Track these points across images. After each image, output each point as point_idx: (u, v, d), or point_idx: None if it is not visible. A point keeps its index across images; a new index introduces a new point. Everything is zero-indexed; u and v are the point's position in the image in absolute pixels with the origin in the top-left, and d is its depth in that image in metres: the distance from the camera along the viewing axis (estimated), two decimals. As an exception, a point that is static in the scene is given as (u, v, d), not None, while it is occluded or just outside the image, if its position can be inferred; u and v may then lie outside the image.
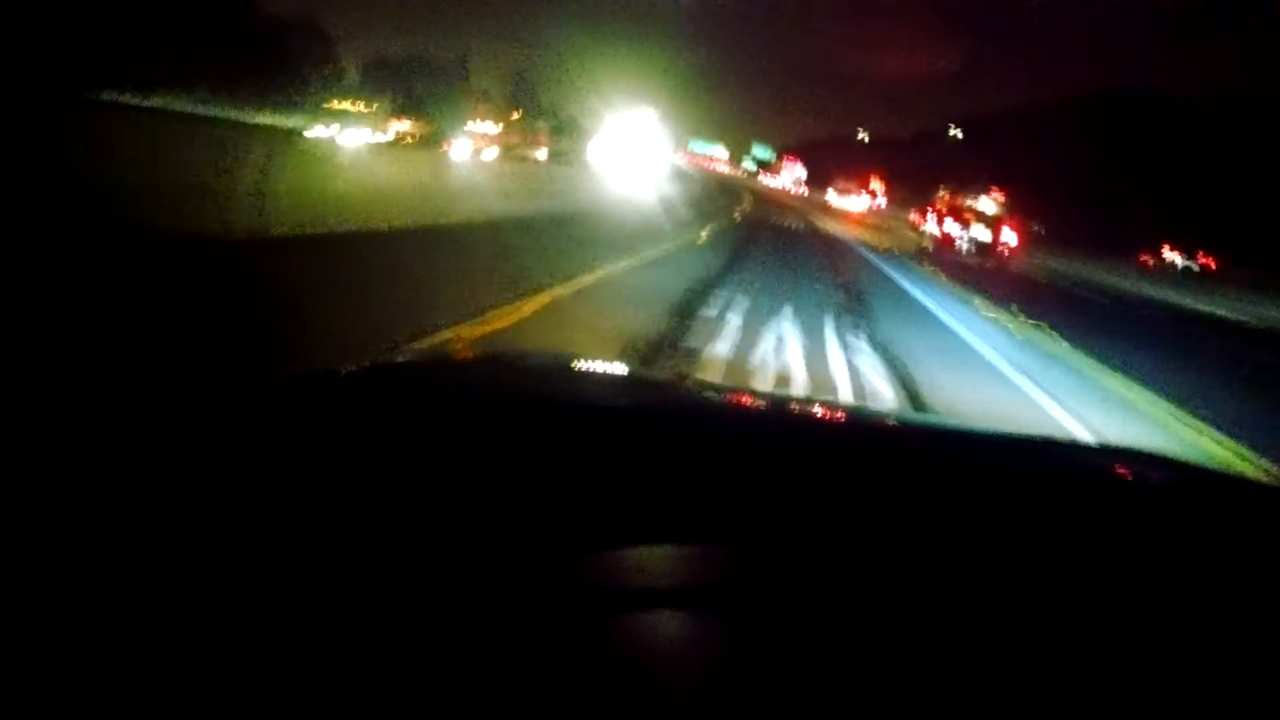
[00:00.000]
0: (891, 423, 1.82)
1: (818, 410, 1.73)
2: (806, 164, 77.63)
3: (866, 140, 78.54)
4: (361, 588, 0.72)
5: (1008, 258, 28.31)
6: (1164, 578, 0.92)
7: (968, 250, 28.13)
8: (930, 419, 3.23)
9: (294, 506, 0.83)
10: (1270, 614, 0.88)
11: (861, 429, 1.52)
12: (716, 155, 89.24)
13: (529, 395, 1.28)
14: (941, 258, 25.72)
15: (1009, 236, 29.54)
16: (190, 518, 0.78)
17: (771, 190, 71.34)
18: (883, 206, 66.59)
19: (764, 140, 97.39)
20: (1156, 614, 0.84)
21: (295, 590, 0.72)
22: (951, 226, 29.02)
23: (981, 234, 29.31)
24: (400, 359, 1.83)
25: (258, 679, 0.61)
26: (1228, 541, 1.04)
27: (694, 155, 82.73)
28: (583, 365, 1.79)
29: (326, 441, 0.95)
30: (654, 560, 0.79)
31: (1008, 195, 36.62)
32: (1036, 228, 49.14)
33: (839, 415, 1.73)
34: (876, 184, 57.68)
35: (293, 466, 0.90)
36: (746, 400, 1.73)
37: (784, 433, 1.34)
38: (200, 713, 0.59)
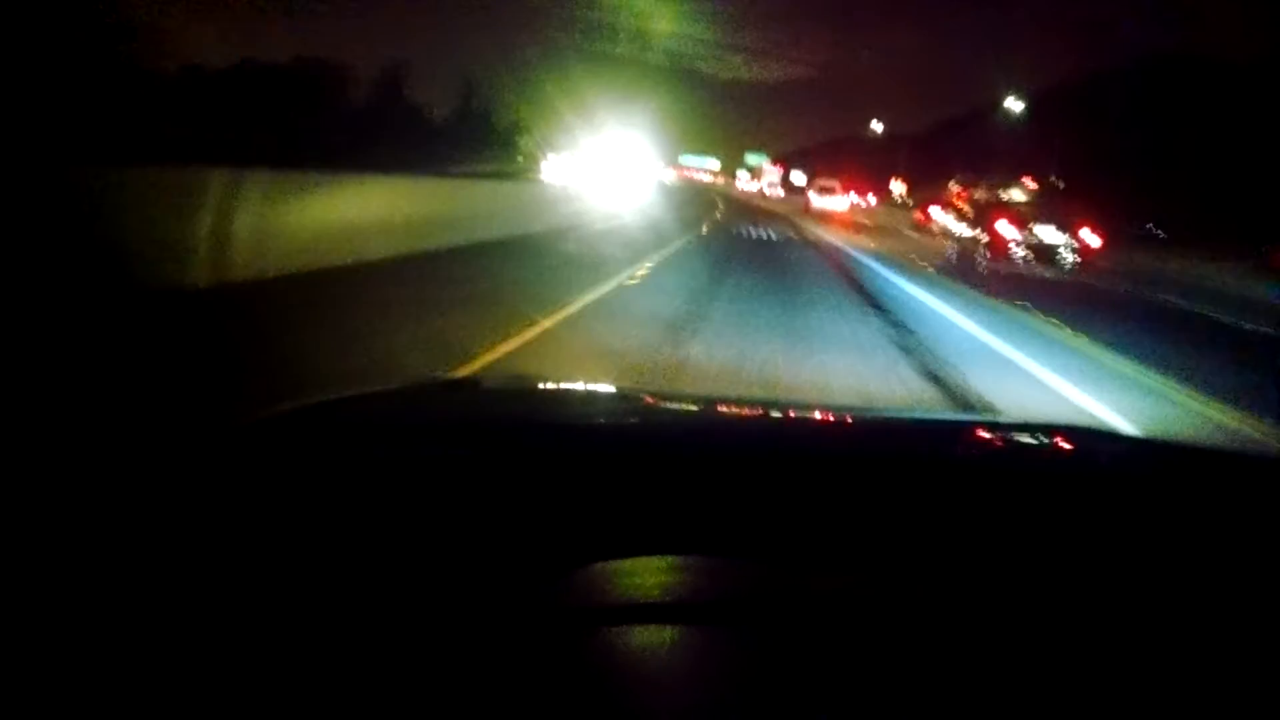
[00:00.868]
0: (859, 420, 1.64)
1: (794, 414, 1.63)
2: (811, 168, 72.47)
3: (881, 134, 71.62)
4: (350, 613, 0.74)
5: (1090, 267, 19.31)
6: (1127, 552, 0.93)
7: (1028, 258, 18.76)
8: (907, 413, 2.91)
9: (278, 540, 0.84)
10: (1223, 573, 0.89)
11: (834, 430, 1.47)
12: (707, 167, 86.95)
13: (500, 419, 1.26)
14: (992, 270, 17.91)
15: (1090, 238, 19.64)
16: (172, 559, 0.79)
17: (747, 196, 66.66)
18: (874, 204, 61.75)
19: (760, 149, 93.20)
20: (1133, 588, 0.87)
21: (289, 612, 0.74)
22: (1005, 228, 19.08)
23: (1051, 236, 19.18)
24: (373, 389, 1.50)
25: (244, 707, 0.63)
26: (1180, 511, 1.04)
27: (683, 169, 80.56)
28: (556, 386, 1.80)
29: (299, 476, 0.96)
30: (642, 573, 0.80)
31: (1044, 183, 31.74)
32: (1149, 227, 39.52)
33: (811, 417, 1.60)
34: (899, 184, 50.40)
35: (274, 499, 0.91)
36: (722, 409, 1.62)
37: (767, 441, 1.31)
38: None
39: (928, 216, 38.96)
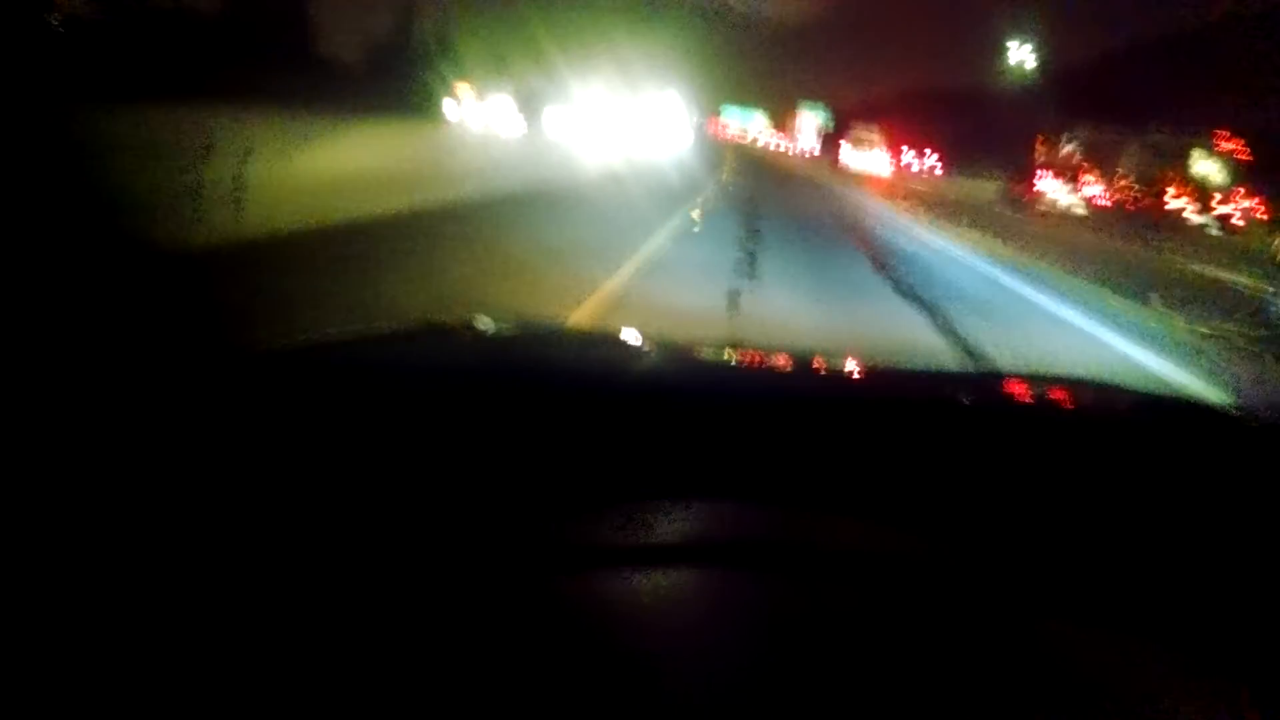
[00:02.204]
0: (883, 372, 1.57)
1: (811, 364, 1.52)
2: (885, 123, 58.30)
3: (1025, 69, 49.60)
4: (355, 555, 0.74)
5: None
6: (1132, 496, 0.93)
7: None
8: (934, 368, 2.69)
9: (278, 478, 0.84)
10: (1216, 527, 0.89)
11: (841, 379, 1.43)
12: (749, 125, 76.09)
13: (499, 363, 1.24)
14: None
15: None
16: (172, 491, 0.79)
17: (765, 153, 55.28)
18: (934, 169, 49.28)
19: (818, 101, 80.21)
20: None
21: (286, 564, 0.73)
22: None
23: None
24: (369, 329, 1.47)
25: (237, 644, 0.63)
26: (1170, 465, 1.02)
27: (720, 124, 70.45)
28: (558, 330, 1.85)
29: (304, 412, 0.95)
30: (663, 516, 0.80)
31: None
32: None
33: (822, 366, 1.52)
34: (1047, 158, 33.71)
35: (274, 438, 0.90)
36: (743, 357, 1.52)
37: (783, 389, 1.29)
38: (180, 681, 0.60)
39: (1031, 190, 27.50)
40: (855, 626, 0.66)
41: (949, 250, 12.51)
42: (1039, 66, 35.30)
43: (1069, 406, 1.30)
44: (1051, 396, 1.35)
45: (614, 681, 0.58)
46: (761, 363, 1.45)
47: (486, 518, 0.78)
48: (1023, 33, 34.66)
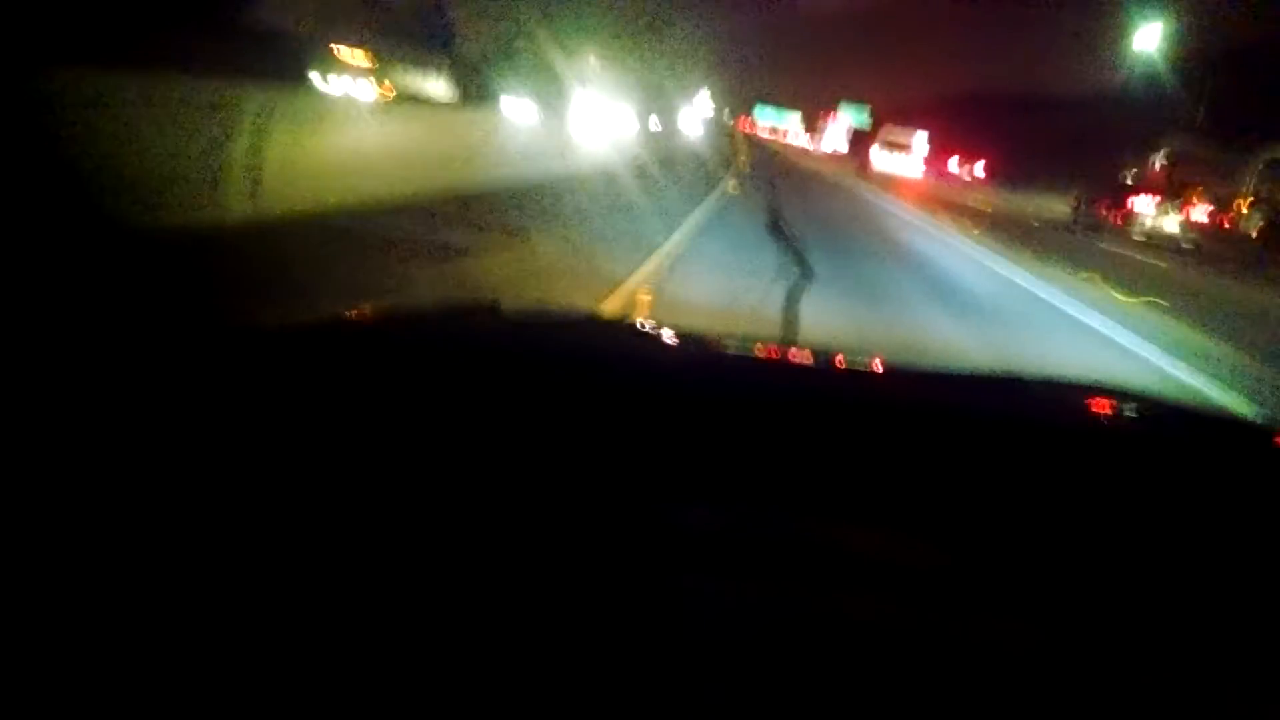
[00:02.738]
0: (903, 372, 1.52)
1: (833, 363, 1.48)
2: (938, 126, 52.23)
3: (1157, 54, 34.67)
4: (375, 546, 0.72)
5: None
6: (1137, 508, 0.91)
7: None
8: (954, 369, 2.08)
9: (293, 456, 0.83)
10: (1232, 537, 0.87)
11: (867, 380, 1.37)
12: (782, 125, 71.52)
13: (518, 347, 1.20)
14: None
15: None
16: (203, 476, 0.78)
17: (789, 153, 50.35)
18: (981, 177, 44.39)
19: (861, 100, 74.63)
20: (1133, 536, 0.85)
21: (295, 545, 0.72)
22: None
23: None
24: (391, 307, 1.49)
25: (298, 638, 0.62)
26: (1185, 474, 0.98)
27: (754, 123, 66.19)
28: (576, 317, 1.68)
29: (322, 390, 0.93)
30: (677, 519, 0.80)
31: None
32: None
33: (845, 366, 1.47)
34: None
35: (292, 416, 0.88)
36: (765, 352, 1.47)
37: (807, 389, 1.24)
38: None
39: (1124, 211, 22.34)
40: (872, 636, 0.66)
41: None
42: (1169, 57, 29.08)
43: (1096, 416, 1.24)
44: (1076, 403, 1.28)
45: (625, 680, 0.59)
46: (783, 359, 1.38)
47: (497, 507, 0.77)
48: (1148, 18, 28.75)
